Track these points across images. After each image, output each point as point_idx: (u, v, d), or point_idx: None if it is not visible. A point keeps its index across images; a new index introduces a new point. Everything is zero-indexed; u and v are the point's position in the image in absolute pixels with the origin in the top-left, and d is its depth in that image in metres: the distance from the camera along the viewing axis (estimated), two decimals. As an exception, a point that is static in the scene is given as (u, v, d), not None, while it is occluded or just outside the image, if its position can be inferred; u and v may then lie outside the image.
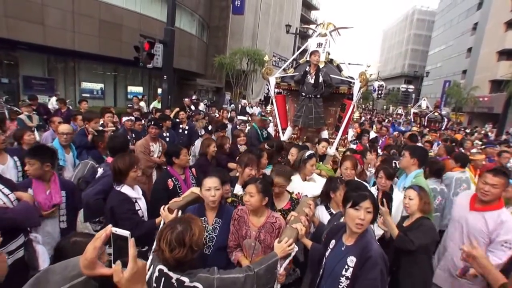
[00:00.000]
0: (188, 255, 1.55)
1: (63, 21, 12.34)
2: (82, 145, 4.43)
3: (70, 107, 9.17)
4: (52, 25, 11.98)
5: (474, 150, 6.86)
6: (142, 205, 2.66)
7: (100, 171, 3.26)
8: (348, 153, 4.49)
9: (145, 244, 2.63)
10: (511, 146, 8.06)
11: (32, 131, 4.28)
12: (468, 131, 17.23)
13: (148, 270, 1.88)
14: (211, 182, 2.35)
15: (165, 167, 4.70)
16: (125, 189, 2.59)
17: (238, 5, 22.47)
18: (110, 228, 1.05)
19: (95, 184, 3.03)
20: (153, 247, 1.79)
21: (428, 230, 2.65)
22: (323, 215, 2.97)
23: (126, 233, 1.05)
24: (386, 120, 18.35)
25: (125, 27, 14.76)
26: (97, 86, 16.08)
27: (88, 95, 14.92)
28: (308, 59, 5.35)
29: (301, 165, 3.41)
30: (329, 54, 5.58)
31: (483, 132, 17.59)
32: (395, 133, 9.64)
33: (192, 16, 20.69)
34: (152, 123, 4.97)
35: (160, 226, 2.23)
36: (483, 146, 7.80)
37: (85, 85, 15.45)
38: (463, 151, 6.88)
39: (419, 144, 6.66)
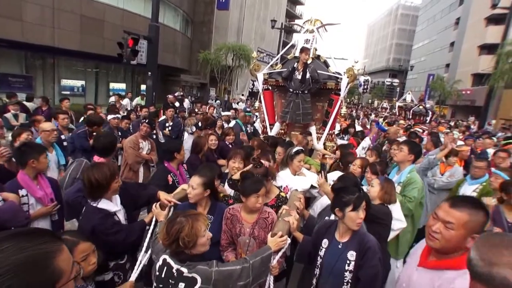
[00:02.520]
0: (174, 247, 1.67)
1: (42, 17, 11.96)
2: (83, 148, 4.43)
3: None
4: (30, 21, 11.60)
5: (460, 143, 7.05)
6: (121, 217, 2.42)
7: None
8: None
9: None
10: (491, 138, 8.22)
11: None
12: (452, 124, 17.57)
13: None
14: (192, 180, 2.40)
15: (155, 163, 4.91)
16: (103, 203, 2.26)
17: (223, 1, 22.21)
18: None
19: (77, 182, 3.01)
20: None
21: (375, 209, 2.58)
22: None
23: None
24: (373, 115, 18.55)
25: (107, 23, 14.42)
26: (78, 83, 15.66)
27: (68, 93, 14.54)
28: (296, 55, 5.35)
29: (288, 161, 3.47)
30: (316, 50, 5.57)
31: (465, 124, 17.99)
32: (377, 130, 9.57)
33: (176, 11, 20.37)
34: (146, 121, 4.99)
35: (152, 223, 2.28)
36: (464, 138, 7.99)
37: (65, 82, 15.02)
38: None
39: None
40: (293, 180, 3.35)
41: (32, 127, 4.73)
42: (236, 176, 2.78)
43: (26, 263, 0.77)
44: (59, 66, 14.75)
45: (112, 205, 2.33)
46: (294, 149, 3.49)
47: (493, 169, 3.80)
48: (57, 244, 0.88)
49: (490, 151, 6.29)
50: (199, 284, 1.64)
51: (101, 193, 2.23)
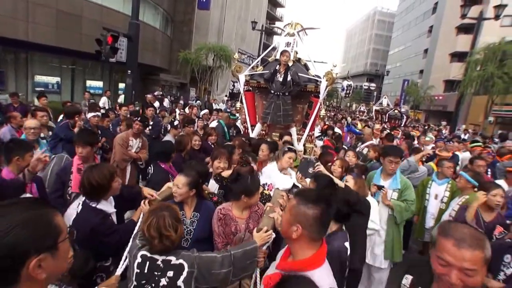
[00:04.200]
0: (161, 241, 1.76)
1: (15, 10, 11.49)
2: (67, 139, 4.40)
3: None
4: (2, 14, 11.10)
5: (429, 146, 7.47)
6: (114, 218, 2.43)
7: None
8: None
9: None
10: (460, 142, 8.70)
11: None
12: (426, 127, 18.37)
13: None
14: (176, 179, 2.45)
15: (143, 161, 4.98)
16: (102, 205, 2.28)
17: (204, 0, 22.07)
18: None
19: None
20: (138, 238, 1.94)
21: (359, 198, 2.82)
22: None
23: None
24: (350, 118, 19.01)
25: (85, 18, 14.04)
26: (53, 79, 15.13)
27: (42, 89, 13.90)
28: (277, 57, 5.45)
29: (279, 155, 3.67)
30: (297, 53, 5.70)
31: (436, 128, 18.85)
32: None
33: (156, 9, 20.09)
34: (139, 119, 4.94)
35: (139, 221, 2.23)
36: (435, 141, 8.44)
37: (39, 78, 14.48)
38: (417, 145, 7.56)
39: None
40: (277, 177, 3.47)
41: (8, 124, 4.60)
42: (225, 173, 2.90)
43: (32, 218, 0.92)
44: (33, 62, 14.21)
45: (110, 206, 2.35)
46: (289, 146, 3.76)
47: (461, 172, 4.08)
48: (53, 208, 1.03)
49: (464, 153, 6.84)
50: (186, 269, 1.77)
51: (103, 194, 2.26)
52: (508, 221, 2.67)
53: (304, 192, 1.61)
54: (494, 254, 1.29)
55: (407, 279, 1.65)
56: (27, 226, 0.89)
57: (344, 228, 2.29)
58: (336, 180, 3.18)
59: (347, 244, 2.16)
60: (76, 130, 4.53)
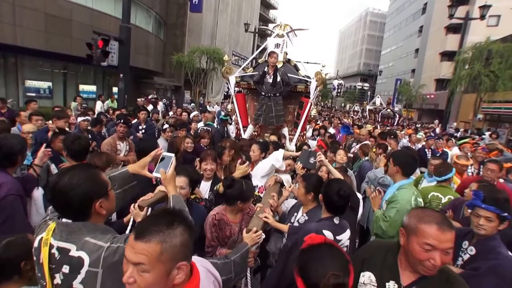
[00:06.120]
0: None
1: (0, 13, 11.34)
2: (42, 142, 4.23)
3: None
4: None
5: (419, 145, 7.63)
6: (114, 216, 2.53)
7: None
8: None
9: None
10: (450, 139, 8.84)
11: None
12: (419, 126, 18.58)
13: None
14: (180, 181, 2.37)
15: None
16: None
17: (196, 3, 22.03)
18: (160, 150, 2.00)
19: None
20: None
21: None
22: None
23: (171, 155, 1.93)
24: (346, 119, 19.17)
25: (75, 22, 13.97)
26: (44, 84, 14.98)
27: (34, 94, 13.90)
28: (266, 59, 5.50)
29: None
30: (286, 54, 5.74)
31: (427, 126, 19.11)
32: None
33: (148, 12, 20.09)
34: (121, 121, 4.79)
35: (129, 225, 2.20)
36: (425, 139, 8.58)
37: (30, 83, 14.32)
38: (409, 144, 7.87)
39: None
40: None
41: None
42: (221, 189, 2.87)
43: (91, 174, 1.39)
44: (23, 66, 14.07)
45: None
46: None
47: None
48: (98, 169, 1.53)
49: (453, 150, 6.93)
50: None
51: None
52: (469, 210, 2.62)
53: (148, 225, 1.06)
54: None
55: (365, 277, 1.59)
56: (89, 180, 1.35)
57: (336, 220, 2.22)
58: (335, 173, 3.25)
59: (327, 232, 2.10)
60: (50, 134, 4.34)
